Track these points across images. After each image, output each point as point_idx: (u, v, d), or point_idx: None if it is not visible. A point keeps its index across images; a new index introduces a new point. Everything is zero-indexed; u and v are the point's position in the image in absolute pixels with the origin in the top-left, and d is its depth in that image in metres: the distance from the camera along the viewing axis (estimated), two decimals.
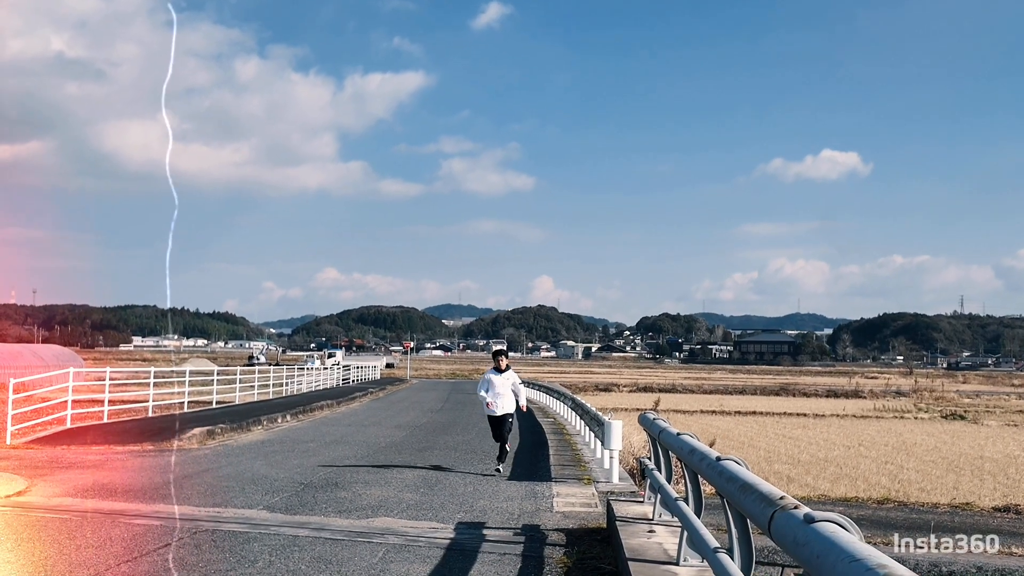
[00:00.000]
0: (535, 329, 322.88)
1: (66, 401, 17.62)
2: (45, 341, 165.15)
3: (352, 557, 6.96)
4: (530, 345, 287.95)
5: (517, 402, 12.75)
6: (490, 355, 16.42)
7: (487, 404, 12.69)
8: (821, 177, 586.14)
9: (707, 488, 5.77)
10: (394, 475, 12.12)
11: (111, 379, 20.46)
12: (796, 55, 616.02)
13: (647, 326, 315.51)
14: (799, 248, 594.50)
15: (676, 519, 6.41)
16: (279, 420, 21.27)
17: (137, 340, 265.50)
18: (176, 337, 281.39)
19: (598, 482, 11.99)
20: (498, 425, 12.78)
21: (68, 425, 17.08)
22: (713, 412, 40.65)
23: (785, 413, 41.43)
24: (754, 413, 41.06)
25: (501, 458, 12.89)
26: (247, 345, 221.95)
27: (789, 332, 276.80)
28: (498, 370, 12.78)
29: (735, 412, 41.10)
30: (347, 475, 11.94)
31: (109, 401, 19.62)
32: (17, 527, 7.36)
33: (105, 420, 18.62)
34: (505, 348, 16.86)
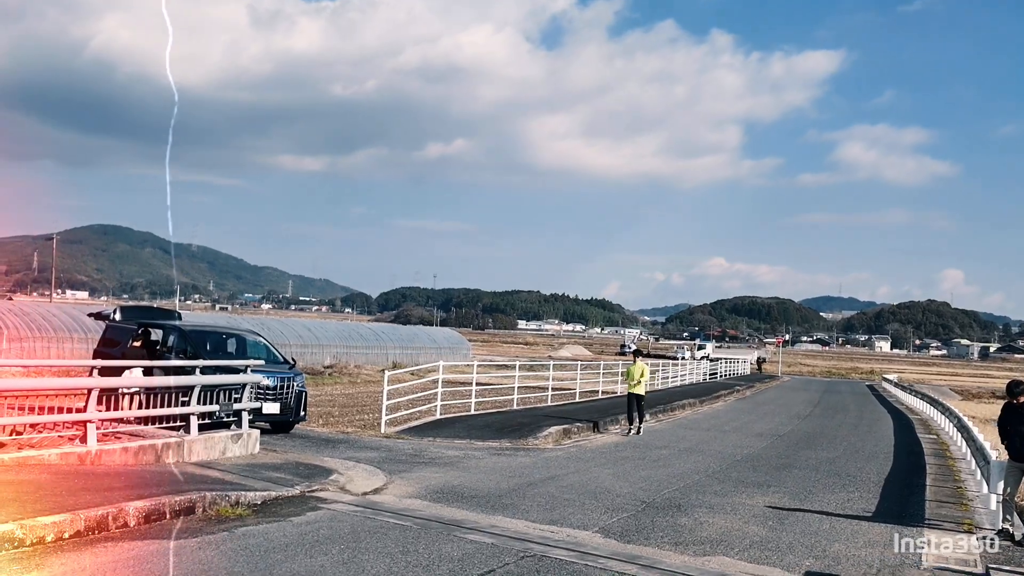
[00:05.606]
0: (924, 325, 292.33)
1: (437, 392, 19.30)
2: (443, 322, 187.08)
3: None
4: (917, 342, 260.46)
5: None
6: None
7: None
8: None
9: None
10: (743, 500, 11.32)
11: (483, 370, 22.13)
12: None
13: None
14: None
15: None
16: None
17: (522, 324, 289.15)
18: (557, 322, 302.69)
19: (981, 528, 10.09)
20: None
21: (438, 416, 18.71)
22: None
23: None
24: None
25: None
26: (621, 331, 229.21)
27: None
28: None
29: None
30: (692, 496, 11.40)
31: (476, 392, 20.87)
32: (359, 533, 7.78)
33: (472, 412, 20.09)
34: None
